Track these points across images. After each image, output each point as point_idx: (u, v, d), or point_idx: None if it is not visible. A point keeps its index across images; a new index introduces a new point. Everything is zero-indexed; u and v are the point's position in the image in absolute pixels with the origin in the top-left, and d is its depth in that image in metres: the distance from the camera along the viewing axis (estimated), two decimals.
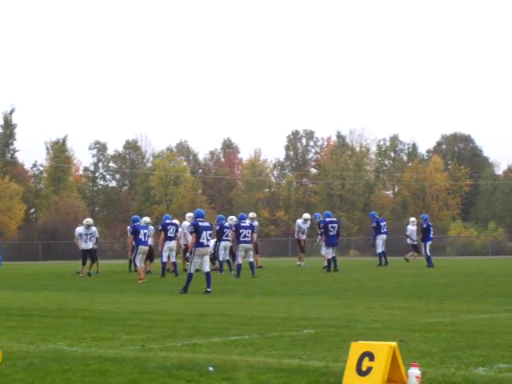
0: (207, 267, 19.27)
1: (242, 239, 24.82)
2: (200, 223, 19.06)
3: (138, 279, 23.52)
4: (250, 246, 25.15)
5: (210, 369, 7.97)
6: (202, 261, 19.24)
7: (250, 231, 25.05)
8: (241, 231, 24.91)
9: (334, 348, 9.38)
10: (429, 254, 30.43)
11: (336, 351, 9.11)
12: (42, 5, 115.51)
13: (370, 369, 6.91)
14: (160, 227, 27.32)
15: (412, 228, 34.89)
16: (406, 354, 8.29)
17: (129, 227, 27.35)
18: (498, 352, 8.90)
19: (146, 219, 28.63)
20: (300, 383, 7.34)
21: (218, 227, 26.75)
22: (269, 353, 9.13)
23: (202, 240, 18.89)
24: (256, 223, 30.97)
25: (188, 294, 18.82)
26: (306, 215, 32.32)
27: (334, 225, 27.42)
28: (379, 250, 31.57)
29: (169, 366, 8.27)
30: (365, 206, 77.49)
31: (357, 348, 7.08)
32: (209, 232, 19.12)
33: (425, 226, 31.08)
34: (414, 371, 6.96)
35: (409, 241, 35.07)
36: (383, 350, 6.95)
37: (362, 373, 6.93)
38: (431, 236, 31.18)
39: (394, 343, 7.04)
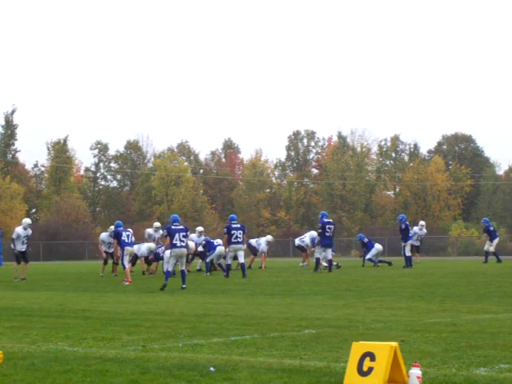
0: (183, 266, 20.93)
1: (233, 240, 24.67)
2: (173, 227, 20.82)
3: (124, 280, 23.56)
4: (240, 246, 24.92)
5: (211, 369, 7.97)
6: (178, 261, 20.96)
7: (241, 232, 24.88)
8: (232, 232, 24.75)
9: (335, 348, 9.37)
10: (408, 254, 30.48)
11: (337, 351, 9.10)
12: (43, 5, 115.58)
13: (371, 369, 6.90)
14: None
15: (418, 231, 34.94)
16: (407, 354, 8.29)
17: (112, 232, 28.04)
18: (499, 352, 8.90)
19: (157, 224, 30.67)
20: (301, 383, 7.34)
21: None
22: (270, 353, 9.12)
23: (175, 241, 20.62)
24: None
25: (165, 290, 19.84)
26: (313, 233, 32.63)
27: (331, 226, 27.68)
28: (369, 256, 32.37)
29: (170, 366, 8.27)
30: (366, 206, 77.50)
31: (358, 348, 7.08)
32: (182, 234, 20.75)
33: (403, 226, 31.03)
34: (415, 371, 6.95)
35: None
36: (384, 350, 6.94)
37: (363, 373, 6.93)
38: (410, 236, 31.25)
39: (395, 343, 7.04)
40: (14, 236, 27.11)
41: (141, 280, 25.47)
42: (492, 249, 33.44)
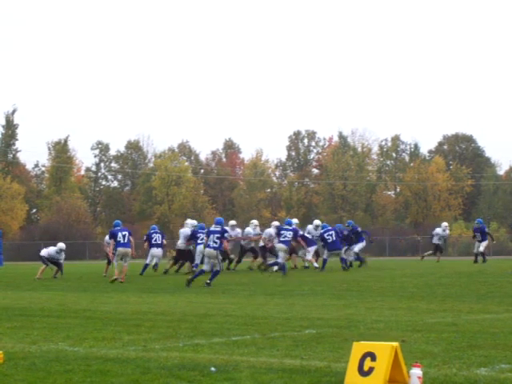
0: (217, 267, 21.84)
1: (281, 239, 26.09)
2: (212, 229, 22.09)
3: (115, 278, 23.85)
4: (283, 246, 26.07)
5: (212, 369, 7.97)
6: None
7: (291, 233, 26.01)
8: (281, 232, 26.17)
9: (335, 348, 9.37)
10: (351, 258, 30.44)
11: (338, 351, 9.10)
12: (43, 5, 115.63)
13: (371, 369, 6.90)
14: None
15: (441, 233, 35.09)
16: (407, 354, 8.29)
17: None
18: (500, 352, 8.90)
19: (194, 222, 29.92)
20: (302, 383, 7.34)
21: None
22: (271, 353, 9.12)
23: (208, 242, 21.77)
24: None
25: (191, 287, 20.74)
26: (317, 222, 31.81)
27: (331, 232, 28.03)
28: (356, 249, 32.05)
29: (171, 366, 8.27)
30: (366, 206, 77.49)
31: (359, 348, 7.08)
32: (216, 236, 21.63)
33: (351, 234, 30.56)
34: (416, 371, 6.95)
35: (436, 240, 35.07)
36: (385, 350, 6.94)
37: (363, 373, 6.92)
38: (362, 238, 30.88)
39: (395, 343, 7.04)
40: (43, 254, 27.50)
41: (141, 280, 25.47)
42: (482, 249, 33.35)
